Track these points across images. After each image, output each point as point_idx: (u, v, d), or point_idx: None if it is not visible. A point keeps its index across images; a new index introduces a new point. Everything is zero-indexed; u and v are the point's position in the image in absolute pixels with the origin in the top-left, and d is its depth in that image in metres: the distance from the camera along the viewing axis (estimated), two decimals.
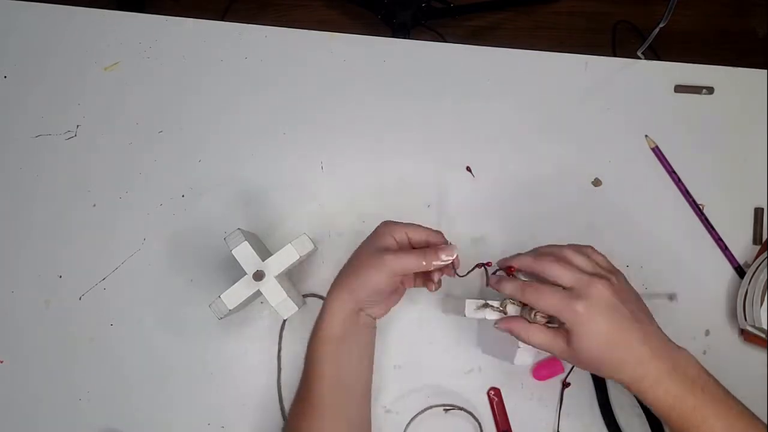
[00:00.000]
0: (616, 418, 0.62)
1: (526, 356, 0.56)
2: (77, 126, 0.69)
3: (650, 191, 0.68)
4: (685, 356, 0.48)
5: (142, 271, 0.65)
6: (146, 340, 0.64)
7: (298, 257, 0.57)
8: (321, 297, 0.65)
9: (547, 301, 0.48)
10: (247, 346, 0.64)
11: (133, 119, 0.69)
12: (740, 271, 0.65)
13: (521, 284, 0.51)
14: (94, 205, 0.67)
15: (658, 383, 0.47)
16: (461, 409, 0.62)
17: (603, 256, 0.52)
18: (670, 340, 0.49)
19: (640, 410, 0.62)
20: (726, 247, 0.66)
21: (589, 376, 0.63)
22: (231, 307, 0.55)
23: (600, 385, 0.63)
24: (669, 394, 0.46)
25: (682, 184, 0.67)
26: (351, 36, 0.71)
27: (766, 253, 0.64)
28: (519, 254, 0.54)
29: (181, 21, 0.71)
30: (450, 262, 0.53)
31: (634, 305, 0.49)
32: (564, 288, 0.49)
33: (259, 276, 0.56)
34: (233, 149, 0.68)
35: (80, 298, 0.65)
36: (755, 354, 0.64)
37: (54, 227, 0.66)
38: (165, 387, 0.63)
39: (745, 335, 0.63)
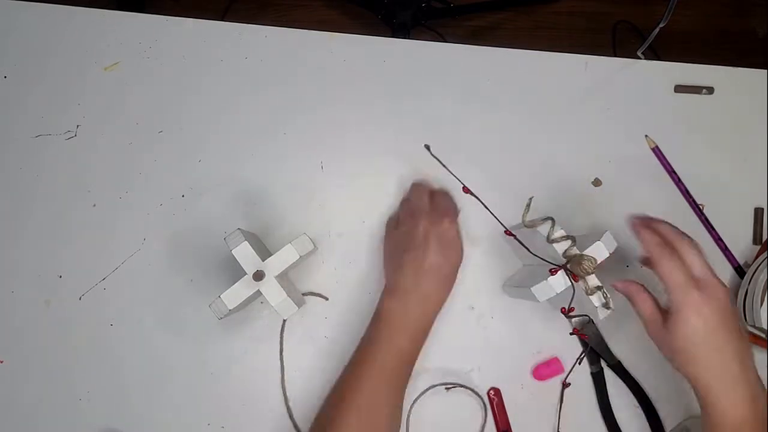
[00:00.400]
0: (616, 418, 0.62)
1: (548, 290, 0.55)
2: (77, 126, 0.69)
3: (650, 191, 0.68)
4: (765, 395, 0.49)
5: (142, 271, 0.65)
6: (146, 340, 0.64)
7: (298, 257, 0.57)
8: (322, 296, 0.65)
9: (672, 273, 0.49)
10: (247, 346, 0.64)
11: (133, 119, 0.69)
12: (740, 271, 0.65)
13: (661, 245, 0.51)
14: (94, 205, 0.67)
15: (735, 405, 0.48)
16: (463, 386, 0.62)
17: None
18: (758, 376, 0.50)
19: (640, 410, 0.62)
20: (726, 247, 0.66)
21: (589, 377, 0.63)
22: (231, 307, 0.55)
23: (600, 385, 0.63)
24: (741, 419, 0.47)
25: (682, 184, 0.67)
26: (351, 36, 0.71)
27: (766, 253, 0.64)
28: (657, 222, 0.54)
29: (181, 21, 0.71)
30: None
31: (738, 329, 0.50)
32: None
33: (259, 276, 0.56)
34: (233, 149, 0.68)
35: (80, 298, 0.65)
36: (755, 354, 0.64)
37: (54, 227, 0.66)
38: (165, 387, 0.63)
39: None
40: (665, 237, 0.52)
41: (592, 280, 0.54)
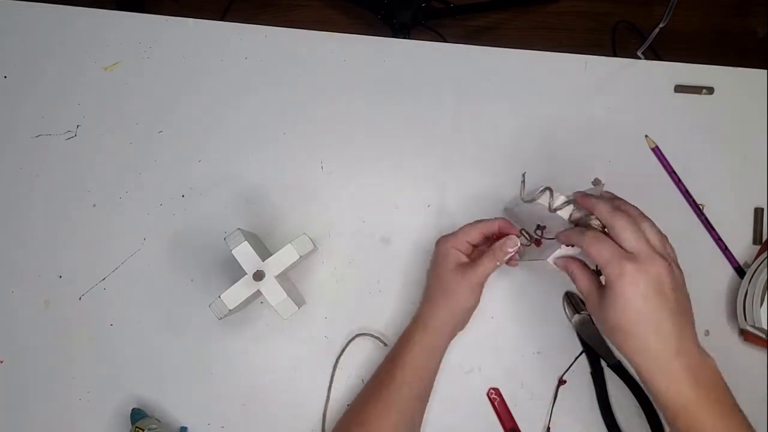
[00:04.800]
0: (616, 418, 0.62)
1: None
2: (77, 126, 0.69)
3: (650, 191, 0.67)
4: (709, 364, 0.47)
5: (142, 271, 0.65)
6: (146, 340, 0.64)
7: (298, 257, 0.57)
8: (381, 340, 0.64)
9: (602, 250, 0.47)
10: (247, 346, 0.64)
11: (133, 119, 0.69)
12: (740, 271, 0.65)
13: (588, 232, 0.50)
14: (94, 205, 0.67)
15: (673, 382, 0.46)
16: None
17: (672, 247, 0.50)
18: (699, 345, 0.47)
19: (640, 410, 0.62)
20: (726, 247, 0.66)
21: (589, 375, 0.63)
22: (231, 307, 0.55)
23: (600, 384, 0.63)
24: (681, 396, 0.45)
25: (682, 184, 0.67)
26: (351, 36, 0.71)
27: (766, 253, 0.64)
28: (596, 198, 0.51)
29: (181, 21, 0.71)
30: (517, 249, 0.55)
31: (680, 300, 0.47)
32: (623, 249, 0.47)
33: (259, 276, 0.56)
34: (233, 149, 0.68)
35: (80, 298, 0.65)
36: (755, 354, 0.64)
37: (54, 227, 0.66)
38: (165, 387, 0.63)
39: (745, 335, 0.63)
40: (602, 211, 0.50)
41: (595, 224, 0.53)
